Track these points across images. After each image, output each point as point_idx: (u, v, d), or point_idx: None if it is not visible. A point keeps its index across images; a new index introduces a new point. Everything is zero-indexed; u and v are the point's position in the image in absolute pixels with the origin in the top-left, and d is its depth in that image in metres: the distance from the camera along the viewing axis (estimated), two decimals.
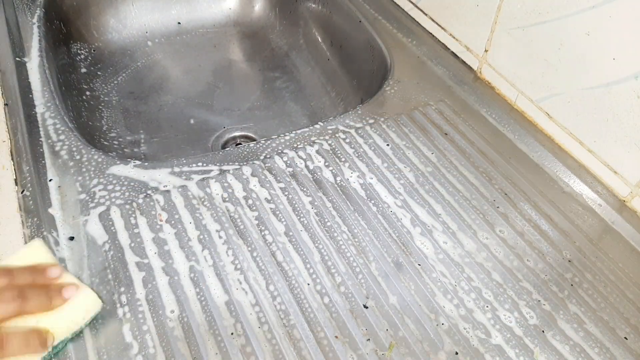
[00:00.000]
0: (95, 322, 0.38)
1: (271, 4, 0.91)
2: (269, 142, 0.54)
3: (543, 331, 0.40)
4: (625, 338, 0.40)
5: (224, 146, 0.74)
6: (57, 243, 0.43)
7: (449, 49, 0.68)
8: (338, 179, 0.50)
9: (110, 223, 0.45)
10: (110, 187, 0.48)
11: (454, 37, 0.67)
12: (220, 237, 0.45)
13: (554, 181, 0.52)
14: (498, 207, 0.49)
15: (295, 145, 0.54)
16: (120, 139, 0.71)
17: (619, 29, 0.45)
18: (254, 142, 0.54)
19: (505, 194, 0.50)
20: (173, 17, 0.88)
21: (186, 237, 0.44)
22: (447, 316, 0.41)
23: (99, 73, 0.79)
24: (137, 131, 0.73)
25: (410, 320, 0.40)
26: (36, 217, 0.45)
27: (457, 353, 0.39)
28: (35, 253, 0.39)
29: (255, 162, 0.51)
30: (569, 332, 0.40)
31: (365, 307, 0.41)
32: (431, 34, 0.71)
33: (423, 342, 0.39)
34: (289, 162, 0.52)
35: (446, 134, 0.56)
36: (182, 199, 0.47)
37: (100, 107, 0.74)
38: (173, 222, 0.45)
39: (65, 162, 0.50)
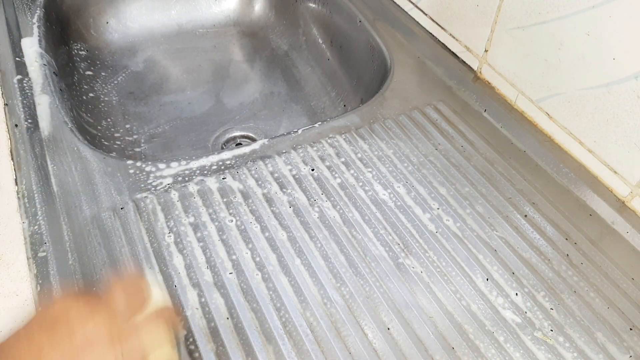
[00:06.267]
0: None
1: (271, 4, 0.91)
2: (269, 142, 0.54)
3: (543, 332, 0.40)
4: (626, 338, 0.40)
5: (224, 146, 0.74)
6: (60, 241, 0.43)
7: (449, 49, 0.68)
8: (338, 179, 0.50)
9: (109, 223, 0.45)
10: (109, 187, 0.48)
11: (454, 37, 0.67)
12: (220, 238, 0.45)
13: (554, 181, 0.52)
14: (498, 208, 0.49)
15: (295, 145, 0.54)
16: (121, 139, 0.71)
17: (619, 29, 0.45)
18: (254, 142, 0.54)
19: (505, 195, 0.50)
20: (173, 17, 0.88)
21: (186, 239, 0.44)
22: (447, 312, 0.41)
23: (99, 73, 0.79)
24: (137, 131, 0.73)
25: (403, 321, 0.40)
26: (36, 217, 0.45)
27: (453, 348, 0.39)
28: None
29: (255, 162, 0.51)
30: (569, 332, 0.40)
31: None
32: (431, 34, 0.71)
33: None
34: (288, 162, 0.52)
35: (446, 134, 0.56)
36: (181, 199, 0.47)
37: (101, 107, 0.74)
38: (172, 222, 0.45)
39: (66, 163, 0.50)
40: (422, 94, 0.61)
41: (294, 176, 0.50)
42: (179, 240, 0.44)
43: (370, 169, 0.52)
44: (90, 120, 0.69)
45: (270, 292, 0.41)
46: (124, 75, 0.80)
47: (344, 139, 0.55)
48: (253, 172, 0.50)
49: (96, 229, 0.44)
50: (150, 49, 0.85)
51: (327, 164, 0.52)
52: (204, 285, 0.41)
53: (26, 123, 0.53)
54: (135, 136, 0.72)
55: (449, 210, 0.48)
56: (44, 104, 0.55)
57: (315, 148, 0.53)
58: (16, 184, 0.48)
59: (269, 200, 0.48)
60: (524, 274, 0.44)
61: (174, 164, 0.50)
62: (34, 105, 0.55)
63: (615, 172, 0.51)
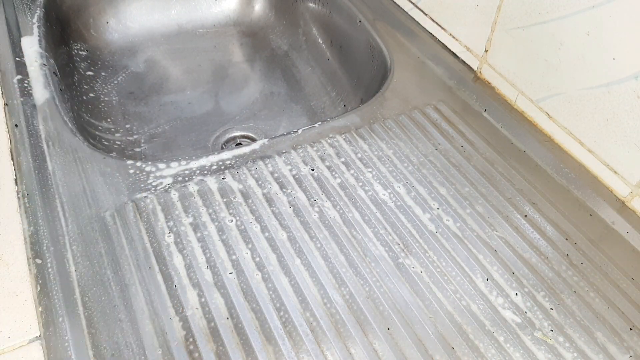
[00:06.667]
0: None
1: (271, 4, 0.91)
2: (269, 142, 0.54)
3: (543, 332, 0.40)
4: (626, 338, 0.40)
5: (224, 146, 0.74)
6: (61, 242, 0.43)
7: (449, 49, 0.68)
8: (338, 179, 0.51)
9: (109, 223, 0.45)
10: (110, 187, 0.48)
11: (454, 37, 0.67)
12: (220, 238, 0.45)
13: (554, 181, 0.52)
14: (498, 208, 0.49)
15: (295, 145, 0.54)
16: (121, 139, 0.71)
17: (619, 29, 0.45)
18: (254, 142, 0.54)
19: (505, 195, 0.50)
20: (173, 17, 0.88)
21: (186, 239, 0.44)
22: (447, 312, 0.41)
23: (99, 73, 0.79)
24: (137, 131, 0.73)
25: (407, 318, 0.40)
26: (36, 217, 0.45)
27: (453, 348, 0.39)
28: None
29: (255, 162, 0.51)
30: (569, 332, 0.40)
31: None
32: (431, 34, 0.71)
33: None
34: (288, 162, 0.52)
35: (446, 134, 0.56)
36: (181, 199, 0.47)
37: (101, 107, 0.74)
38: (172, 222, 0.45)
39: (65, 163, 0.50)
40: (422, 94, 0.61)
41: (294, 176, 0.50)
42: (179, 240, 0.44)
43: (370, 169, 0.52)
44: (90, 120, 0.69)
45: (270, 292, 0.41)
46: (124, 75, 0.80)
47: (344, 139, 0.55)
48: (253, 172, 0.50)
49: (96, 229, 0.44)
50: (150, 49, 0.85)
51: (327, 164, 0.52)
52: (204, 285, 0.41)
53: (26, 123, 0.53)
54: (135, 136, 0.72)
55: (449, 210, 0.48)
56: (44, 104, 0.56)
57: (315, 148, 0.53)
58: (16, 184, 0.48)
59: (269, 200, 0.48)
60: (524, 274, 0.44)
61: (174, 164, 0.50)
62: (34, 105, 0.55)
63: (615, 172, 0.51)
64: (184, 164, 0.51)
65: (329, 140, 0.54)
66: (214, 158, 0.52)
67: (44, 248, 0.42)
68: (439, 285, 0.43)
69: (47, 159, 0.50)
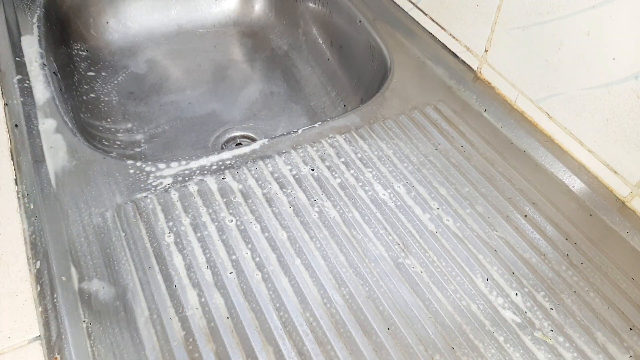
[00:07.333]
0: None
1: (271, 4, 0.91)
2: (269, 142, 0.54)
3: (543, 332, 0.40)
4: (626, 338, 0.40)
5: (224, 146, 0.74)
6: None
7: (449, 49, 0.68)
8: (338, 179, 0.51)
9: (109, 223, 0.45)
10: (109, 187, 0.48)
11: (454, 37, 0.67)
12: (220, 238, 0.45)
13: (554, 181, 0.52)
14: (498, 208, 0.49)
15: (295, 145, 0.54)
16: (121, 139, 0.71)
17: (619, 29, 0.45)
18: (254, 142, 0.54)
19: (505, 195, 0.50)
20: (173, 18, 0.88)
21: (186, 239, 0.44)
22: (447, 312, 0.41)
23: (99, 73, 0.79)
24: (137, 131, 0.73)
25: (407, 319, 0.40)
26: (36, 217, 0.45)
27: (453, 348, 0.39)
28: None
29: (255, 162, 0.51)
30: (569, 332, 0.40)
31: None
32: (431, 34, 0.71)
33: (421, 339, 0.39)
34: (288, 162, 0.52)
35: (446, 134, 0.56)
36: (181, 199, 0.47)
37: (101, 107, 0.74)
38: (172, 222, 0.45)
39: (65, 163, 0.50)
40: (422, 94, 0.61)
41: (294, 176, 0.50)
42: (179, 240, 0.44)
43: (370, 169, 0.52)
44: (91, 121, 0.69)
45: (270, 292, 0.41)
46: (124, 75, 0.81)
47: (344, 139, 0.55)
48: (253, 172, 0.50)
49: (96, 229, 0.44)
50: (150, 49, 0.85)
51: (327, 164, 0.52)
52: (204, 285, 0.41)
53: (26, 123, 0.53)
54: (135, 136, 0.72)
55: (449, 210, 0.48)
56: (44, 104, 0.56)
57: (315, 148, 0.53)
58: (16, 184, 0.48)
59: (269, 200, 0.48)
60: (524, 274, 0.44)
61: (174, 164, 0.50)
62: (34, 105, 0.55)
63: (615, 172, 0.51)
64: (184, 164, 0.51)
65: (329, 140, 0.54)
66: (214, 158, 0.52)
67: (44, 248, 0.42)
68: (439, 285, 0.43)
69: (47, 159, 0.50)
